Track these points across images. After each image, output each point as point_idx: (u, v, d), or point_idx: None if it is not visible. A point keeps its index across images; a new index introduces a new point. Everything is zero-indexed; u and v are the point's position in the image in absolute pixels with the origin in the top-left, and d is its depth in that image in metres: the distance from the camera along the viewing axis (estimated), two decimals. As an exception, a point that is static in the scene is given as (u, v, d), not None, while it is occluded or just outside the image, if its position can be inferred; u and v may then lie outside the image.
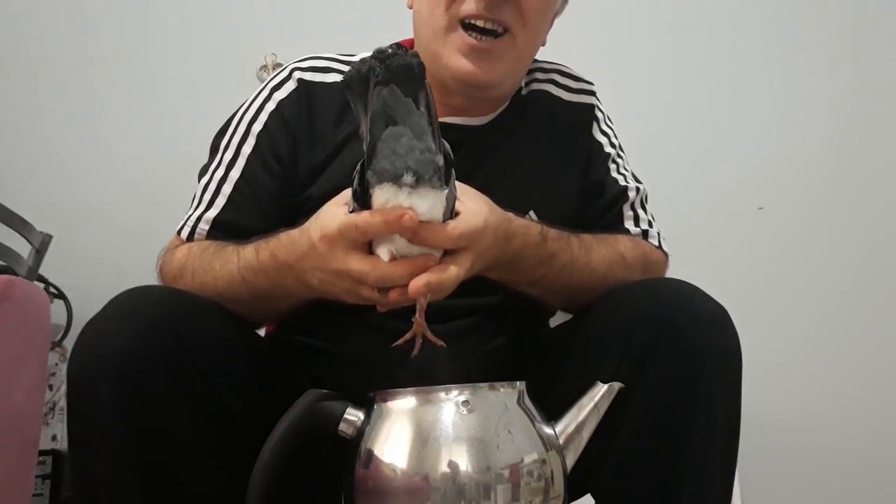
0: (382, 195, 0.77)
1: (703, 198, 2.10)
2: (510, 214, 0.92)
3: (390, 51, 0.74)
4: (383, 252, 0.81)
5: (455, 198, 0.82)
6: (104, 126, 2.11)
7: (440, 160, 0.76)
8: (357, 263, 0.81)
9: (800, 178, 2.13)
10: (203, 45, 2.14)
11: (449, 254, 0.83)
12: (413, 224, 0.76)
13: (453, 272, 0.81)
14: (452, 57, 1.03)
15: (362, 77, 0.75)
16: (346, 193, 0.84)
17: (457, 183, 0.84)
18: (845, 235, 2.12)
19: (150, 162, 2.07)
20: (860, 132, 2.15)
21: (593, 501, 0.95)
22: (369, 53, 0.75)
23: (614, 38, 2.16)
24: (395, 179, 0.75)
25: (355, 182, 0.80)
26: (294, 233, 0.89)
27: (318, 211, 0.87)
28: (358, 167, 0.79)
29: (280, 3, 2.17)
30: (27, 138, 2.11)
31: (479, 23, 1.02)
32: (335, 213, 0.83)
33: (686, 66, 2.17)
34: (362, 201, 0.79)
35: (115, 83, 2.13)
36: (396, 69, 0.73)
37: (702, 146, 2.14)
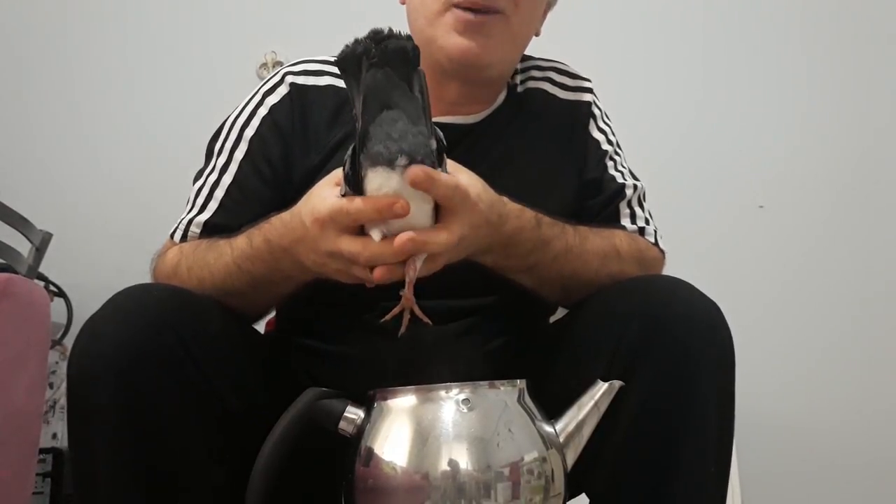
0: (376, 179, 0.77)
1: (702, 196, 2.10)
2: (504, 198, 0.92)
3: (386, 32, 0.74)
4: (375, 233, 0.81)
5: None
6: (104, 124, 2.11)
7: (433, 143, 0.77)
8: (348, 244, 0.81)
9: (800, 176, 2.13)
10: (203, 43, 2.14)
11: (440, 222, 0.82)
12: (404, 212, 0.77)
13: (442, 236, 0.81)
14: (447, 36, 1.02)
15: (356, 57, 0.74)
16: (336, 174, 0.84)
17: (449, 161, 0.84)
18: (846, 234, 2.12)
19: (150, 160, 2.07)
20: (861, 130, 2.15)
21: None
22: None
23: (613, 35, 2.16)
24: (390, 163, 0.75)
25: (347, 166, 0.80)
26: (285, 216, 0.90)
27: (309, 192, 0.87)
28: (349, 151, 0.79)
29: (280, 1, 2.17)
30: (27, 137, 2.11)
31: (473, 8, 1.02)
32: (325, 195, 0.83)
33: (686, 64, 2.17)
34: (354, 184, 0.79)
35: (115, 81, 2.13)
36: (391, 52, 0.73)
37: (702, 144, 2.14)
